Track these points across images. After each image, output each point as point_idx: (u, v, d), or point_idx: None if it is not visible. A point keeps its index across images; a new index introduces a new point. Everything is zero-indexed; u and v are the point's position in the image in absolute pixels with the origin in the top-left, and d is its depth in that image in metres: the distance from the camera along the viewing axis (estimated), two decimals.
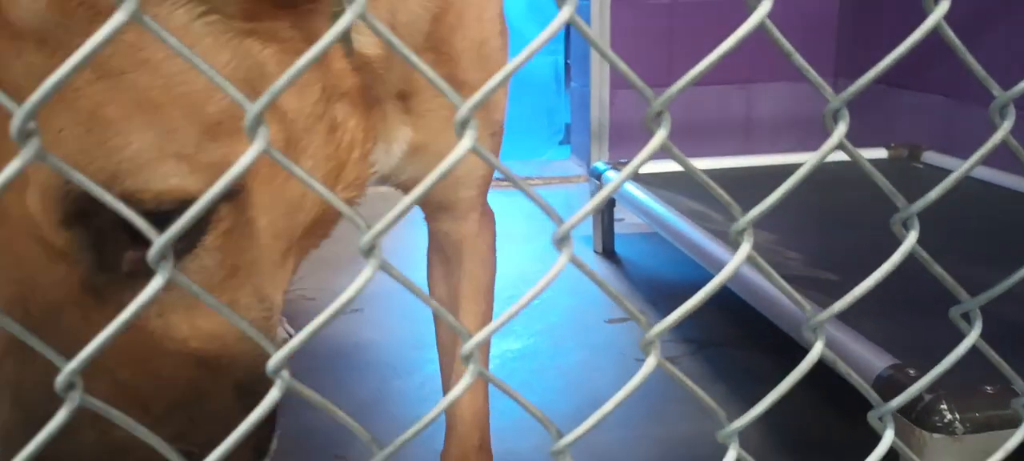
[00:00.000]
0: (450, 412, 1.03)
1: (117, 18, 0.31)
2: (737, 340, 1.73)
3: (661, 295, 2.03)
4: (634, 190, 2.02)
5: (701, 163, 2.24)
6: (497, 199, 0.99)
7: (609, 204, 2.24)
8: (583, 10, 3.02)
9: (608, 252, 2.28)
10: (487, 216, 0.99)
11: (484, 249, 0.99)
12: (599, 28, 2.96)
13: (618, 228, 2.33)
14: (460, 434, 1.02)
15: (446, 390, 1.05)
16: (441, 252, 1.00)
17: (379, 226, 0.36)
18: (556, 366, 1.65)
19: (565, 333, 1.80)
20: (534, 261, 2.19)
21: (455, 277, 0.99)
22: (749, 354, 1.67)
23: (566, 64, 3.91)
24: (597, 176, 2.22)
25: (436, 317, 1.04)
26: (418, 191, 0.37)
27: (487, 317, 1.02)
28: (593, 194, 2.21)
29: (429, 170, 0.36)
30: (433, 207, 0.95)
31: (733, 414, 0.46)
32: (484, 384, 1.03)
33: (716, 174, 2.15)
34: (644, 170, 2.14)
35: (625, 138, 3.00)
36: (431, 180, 0.36)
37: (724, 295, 1.49)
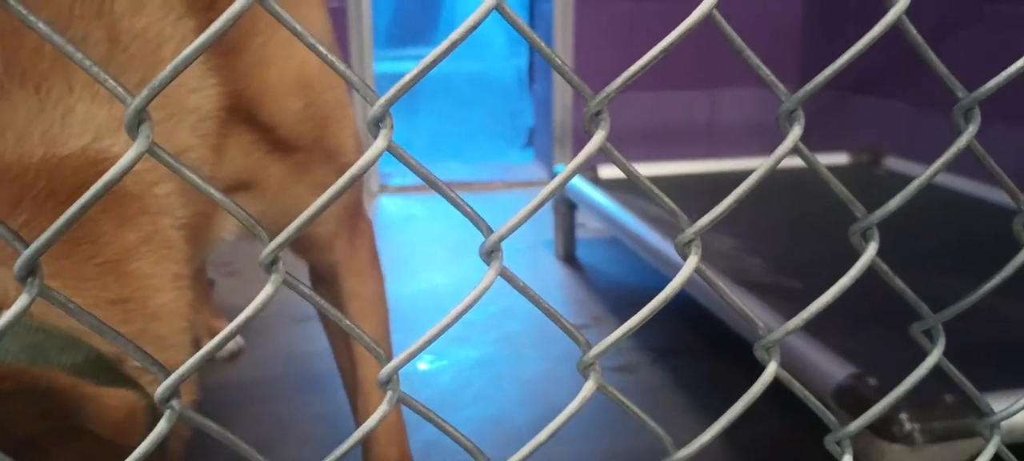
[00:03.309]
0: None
1: None
2: (698, 348, 1.71)
3: (622, 301, 2.00)
4: (595, 195, 1.99)
5: (664, 168, 2.22)
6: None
7: (570, 209, 2.21)
8: (546, 15, 2.99)
9: (569, 257, 2.25)
10: (359, 233, 0.97)
11: (362, 265, 0.97)
12: (562, 32, 2.93)
13: (579, 233, 2.30)
14: (377, 454, 1.00)
15: (353, 408, 1.03)
16: (321, 279, 0.98)
17: (280, 239, 0.32)
18: (515, 375, 1.61)
19: (525, 342, 1.76)
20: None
21: (339, 299, 0.97)
22: (711, 362, 1.65)
23: (530, 67, 3.88)
24: None
25: (330, 338, 1.03)
26: (313, 210, 0.33)
27: (382, 330, 1.01)
28: (557, 199, 2.18)
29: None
30: (295, 246, 0.94)
31: (692, 424, 0.43)
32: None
33: (679, 179, 2.14)
34: (604, 175, 2.11)
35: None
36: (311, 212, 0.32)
37: (684, 302, 1.47)
